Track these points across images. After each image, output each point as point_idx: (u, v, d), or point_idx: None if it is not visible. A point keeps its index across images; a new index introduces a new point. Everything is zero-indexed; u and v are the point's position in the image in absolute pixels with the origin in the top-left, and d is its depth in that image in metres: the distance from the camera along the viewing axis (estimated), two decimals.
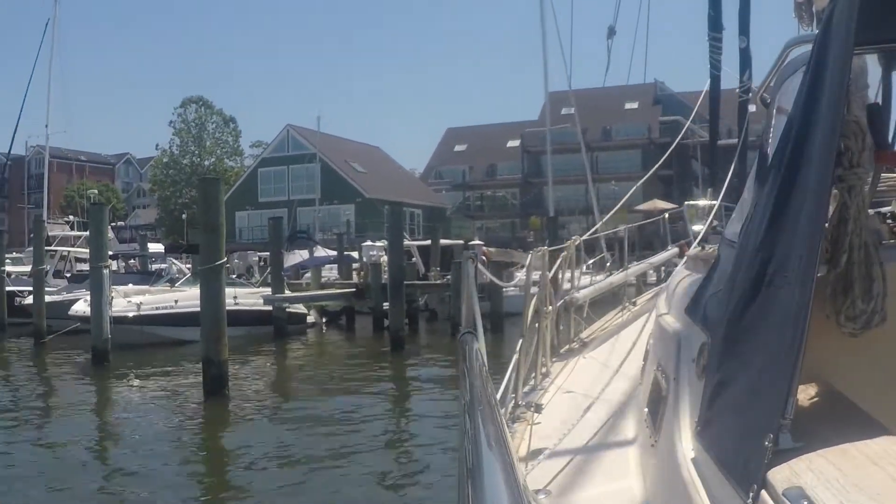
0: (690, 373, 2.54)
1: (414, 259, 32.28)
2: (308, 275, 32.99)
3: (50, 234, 35.57)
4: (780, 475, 1.51)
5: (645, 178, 9.72)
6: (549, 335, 5.56)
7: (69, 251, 35.48)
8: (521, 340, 4.63)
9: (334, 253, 37.11)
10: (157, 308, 22.87)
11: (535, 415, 4.10)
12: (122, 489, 9.42)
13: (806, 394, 1.94)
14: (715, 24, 6.57)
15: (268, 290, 26.53)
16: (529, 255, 5.13)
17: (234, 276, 30.51)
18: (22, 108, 58.07)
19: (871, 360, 2.15)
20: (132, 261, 37.55)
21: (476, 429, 1.60)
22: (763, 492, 1.52)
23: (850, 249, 2.03)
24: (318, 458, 10.40)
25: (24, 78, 54.57)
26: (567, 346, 6.55)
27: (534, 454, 3.49)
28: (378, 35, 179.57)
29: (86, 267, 28.28)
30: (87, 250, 30.12)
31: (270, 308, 25.34)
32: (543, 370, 5.44)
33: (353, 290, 29.47)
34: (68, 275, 32.88)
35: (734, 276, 2.19)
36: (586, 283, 8.22)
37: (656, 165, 10.66)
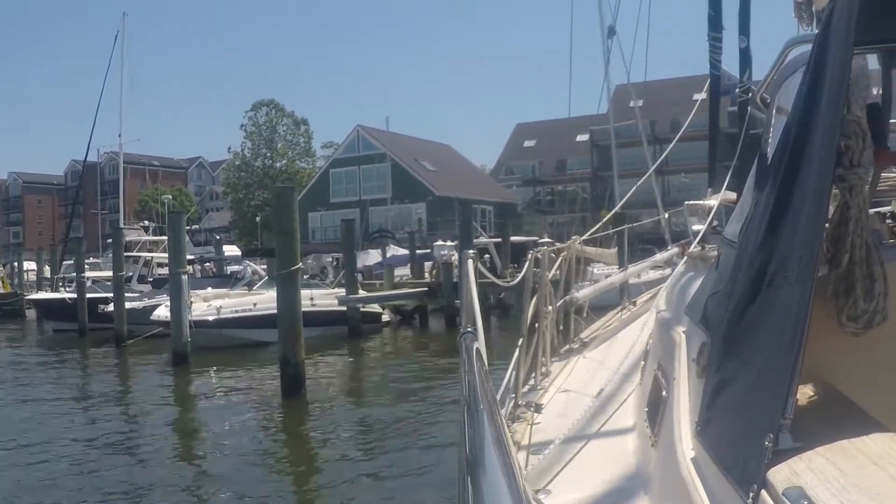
0: (690, 373, 2.54)
1: (487, 256, 32.31)
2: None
3: (126, 239, 36.58)
4: (780, 475, 1.51)
5: (645, 177, 9.51)
6: (549, 335, 5.53)
7: (152, 256, 36.45)
8: (521, 340, 4.60)
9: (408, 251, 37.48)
10: (236, 311, 23.41)
11: (535, 415, 4.12)
12: (202, 485, 9.77)
13: (806, 394, 1.93)
14: (715, 24, 6.53)
15: (343, 291, 27.00)
16: (530, 254, 5.13)
17: (306, 277, 31.11)
18: (95, 119, 59.62)
19: (872, 360, 2.14)
20: (208, 264, 38.41)
21: (476, 429, 1.59)
22: (763, 492, 1.52)
23: (851, 249, 2.03)
24: (393, 456, 10.60)
25: (97, 90, 56.18)
26: (567, 346, 6.51)
27: (534, 454, 3.48)
28: (444, 33, 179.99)
29: (167, 271, 29.09)
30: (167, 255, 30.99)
31: (345, 308, 25.84)
32: (543, 370, 5.42)
33: (426, 288, 29.75)
34: (151, 279, 33.80)
35: (734, 276, 2.19)
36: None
37: (656, 163, 10.49)
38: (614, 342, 6.33)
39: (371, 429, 12.72)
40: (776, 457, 1.56)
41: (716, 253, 3.19)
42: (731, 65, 6.43)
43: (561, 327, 6.34)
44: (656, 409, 2.91)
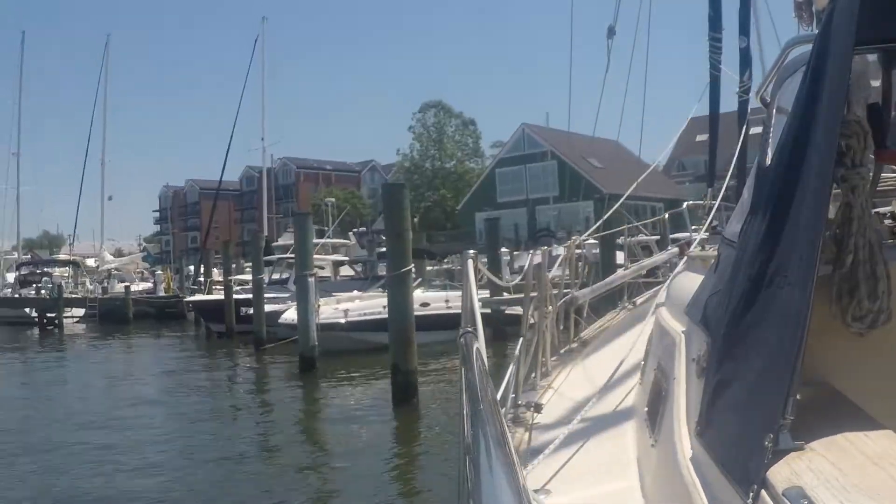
0: (690, 373, 2.53)
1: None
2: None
3: (287, 242, 37.68)
4: (780, 475, 1.52)
5: (643, 177, 9.68)
6: (549, 335, 5.58)
7: None
8: (521, 340, 4.65)
9: None
10: (364, 314, 22.74)
11: (535, 415, 4.11)
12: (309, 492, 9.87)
13: (806, 394, 1.88)
14: (715, 24, 6.54)
15: (485, 293, 26.27)
16: (530, 254, 5.11)
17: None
18: (235, 123, 61.53)
19: (873, 360, 2.10)
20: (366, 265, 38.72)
21: (476, 428, 1.61)
22: (763, 492, 1.52)
23: (854, 249, 2.01)
24: None
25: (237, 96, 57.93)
26: (567, 346, 6.55)
27: (534, 454, 3.48)
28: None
29: (324, 273, 29.52)
30: (325, 257, 31.47)
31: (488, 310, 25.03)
32: (543, 370, 5.47)
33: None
34: None
35: (734, 276, 2.19)
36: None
37: (653, 165, 11.31)
38: (614, 342, 6.36)
39: None
40: (776, 457, 1.57)
41: (716, 253, 3.20)
42: (731, 65, 6.43)
43: (561, 327, 6.44)
44: (656, 409, 2.91)
